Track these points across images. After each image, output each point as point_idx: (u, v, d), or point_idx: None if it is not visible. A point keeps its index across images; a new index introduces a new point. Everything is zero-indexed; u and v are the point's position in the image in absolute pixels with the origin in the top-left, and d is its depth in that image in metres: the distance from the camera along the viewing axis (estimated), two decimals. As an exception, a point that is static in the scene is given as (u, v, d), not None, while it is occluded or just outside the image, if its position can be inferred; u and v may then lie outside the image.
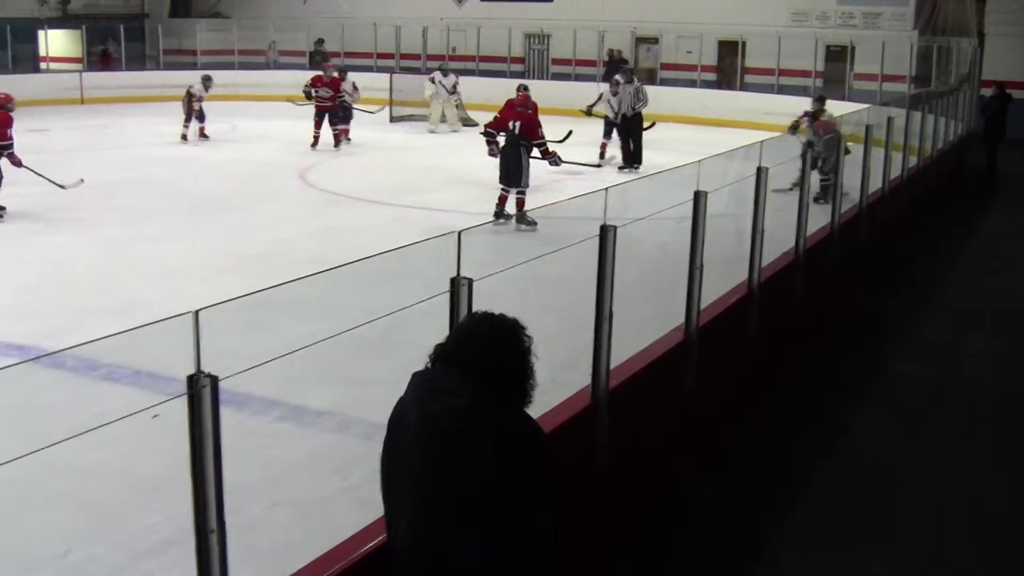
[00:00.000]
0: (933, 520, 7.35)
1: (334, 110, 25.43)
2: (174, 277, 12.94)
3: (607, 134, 23.92)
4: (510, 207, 16.10)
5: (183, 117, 26.50)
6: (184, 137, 26.40)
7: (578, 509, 5.28)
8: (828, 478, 8.02)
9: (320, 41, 40.13)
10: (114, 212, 17.29)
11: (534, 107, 17.27)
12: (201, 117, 26.64)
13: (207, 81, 26.76)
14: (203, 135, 26.73)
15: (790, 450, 8.46)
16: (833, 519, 7.31)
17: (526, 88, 19.15)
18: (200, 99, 26.37)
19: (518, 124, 16.42)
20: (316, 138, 25.30)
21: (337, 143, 25.54)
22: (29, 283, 12.85)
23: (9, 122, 16.62)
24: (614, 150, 23.22)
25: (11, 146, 16.52)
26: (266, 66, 40.18)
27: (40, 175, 16.35)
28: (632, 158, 22.84)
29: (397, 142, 26.96)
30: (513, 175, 16.23)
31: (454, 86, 29.73)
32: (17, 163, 16.53)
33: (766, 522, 7.19)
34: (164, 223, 16.48)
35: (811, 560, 6.77)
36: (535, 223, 15.20)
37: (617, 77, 24.86)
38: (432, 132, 29.13)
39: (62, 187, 16.14)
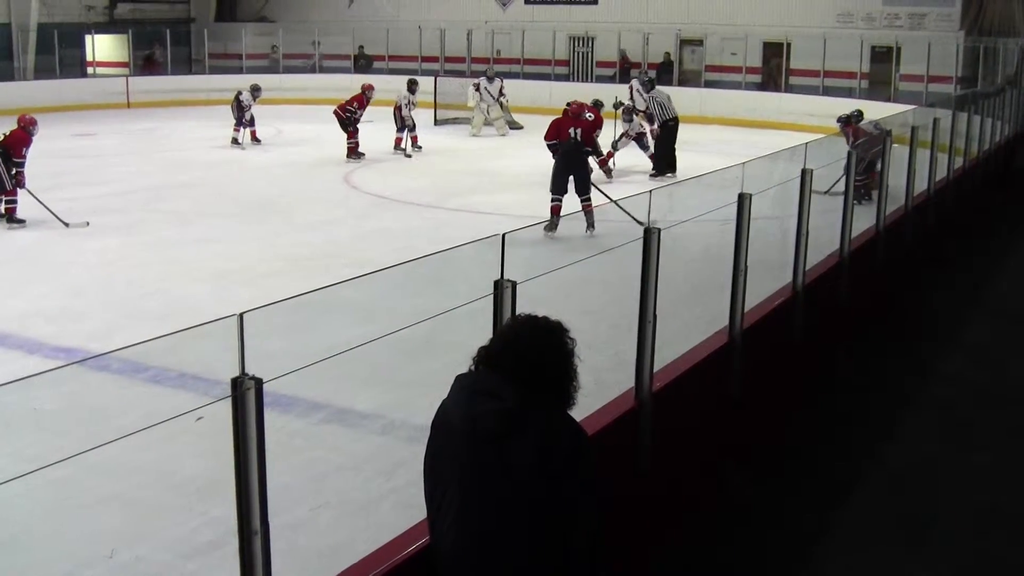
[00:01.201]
0: (979, 524, 7.28)
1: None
2: (220, 280, 13.01)
3: (616, 145, 23.01)
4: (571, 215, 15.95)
5: (234, 121, 26.72)
6: (235, 140, 26.54)
7: (621, 511, 5.27)
8: (873, 480, 7.97)
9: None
10: (160, 215, 17.40)
11: (598, 119, 17.23)
12: (252, 122, 26.90)
13: (256, 91, 27.06)
14: (255, 138, 26.97)
15: (835, 452, 8.41)
16: (878, 521, 7.26)
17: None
18: (249, 107, 26.75)
19: (579, 132, 16.32)
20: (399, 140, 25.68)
21: (352, 155, 24.87)
22: (75, 286, 12.95)
23: (26, 142, 16.74)
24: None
25: (23, 164, 16.65)
26: (274, 70, 40.22)
27: (44, 206, 16.40)
28: (665, 166, 22.56)
29: (442, 145, 26.97)
30: (584, 184, 16.00)
31: (500, 91, 29.64)
32: (21, 183, 16.61)
33: (810, 524, 7.15)
34: (210, 226, 16.57)
35: (855, 562, 6.72)
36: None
37: (633, 83, 24.95)
38: (474, 136, 29.13)
39: (66, 224, 16.20)
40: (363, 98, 25.14)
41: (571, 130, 16.29)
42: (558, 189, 15.95)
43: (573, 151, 16.12)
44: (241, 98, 26.54)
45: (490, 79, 29.70)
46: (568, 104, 17.58)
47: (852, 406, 9.46)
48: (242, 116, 26.63)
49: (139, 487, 7.23)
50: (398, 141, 25.76)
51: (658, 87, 24.00)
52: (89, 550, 6.55)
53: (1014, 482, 7.98)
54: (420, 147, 26.03)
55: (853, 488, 7.79)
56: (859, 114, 20.36)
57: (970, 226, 17.82)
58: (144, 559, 6.49)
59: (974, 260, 15.86)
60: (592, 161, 17.06)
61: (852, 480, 7.90)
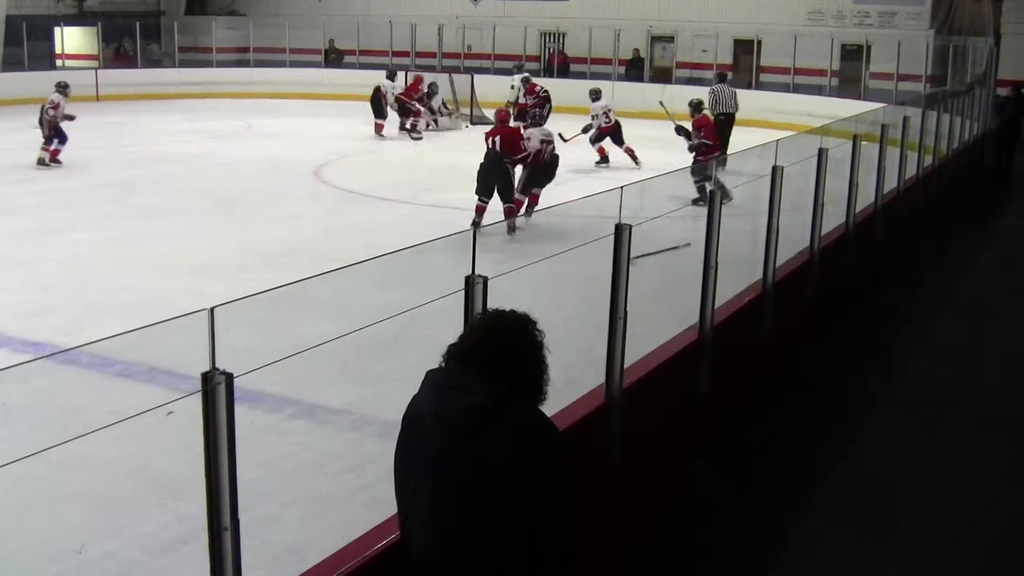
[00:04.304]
0: (949, 521, 7.32)
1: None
2: (189, 275, 12.96)
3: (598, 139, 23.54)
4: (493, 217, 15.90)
5: (43, 135, 22.14)
6: (41, 161, 21.70)
7: (592, 509, 5.27)
8: (843, 479, 8.00)
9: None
10: (130, 209, 17.33)
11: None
12: (61, 137, 22.06)
13: (63, 88, 22.57)
14: (55, 160, 21.93)
15: (805, 450, 8.44)
16: (849, 520, 7.29)
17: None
18: (60, 109, 22.14)
19: (498, 140, 16.21)
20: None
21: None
22: (44, 280, 12.87)
23: None
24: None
25: None
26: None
27: None
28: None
29: (412, 140, 26.96)
30: (504, 192, 16.06)
31: (442, 103, 29.99)
32: None
33: (781, 522, 7.17)
34: (180, 220, 16.50)
35: (827, 561, 6.75)
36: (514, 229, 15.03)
37: (516, 79, 26.94)
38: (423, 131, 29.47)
39: None
40: (417, 86, 27.92)
41: (491, 139, 16.27)
42: (481, 191, 16.04)
43: (493, 159, 16.07)
44: (52, 101, 22.12)
45: (431, 95, 29.66)
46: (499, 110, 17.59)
47: (821, 404, 9.50)
48: (51, 126, 21.87)
49: (108, 482, 7.21)
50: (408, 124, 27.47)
51: (720, 84, 25.41)
52: (58, 546, 6.52)
53: (981, 480, 8.03)
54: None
55: (822, 486, 7.83)
56: (699, 103, 20.48)
57: (939, 224, 17.91)
58: (113, 555, 6.47)
59: (943, 258, 15.95)
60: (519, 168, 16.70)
61: (821, 478, 7.94)
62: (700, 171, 17.63)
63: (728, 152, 22.57)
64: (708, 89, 25.16)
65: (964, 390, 10.08)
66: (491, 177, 16.01)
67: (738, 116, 26.53)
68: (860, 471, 8.15)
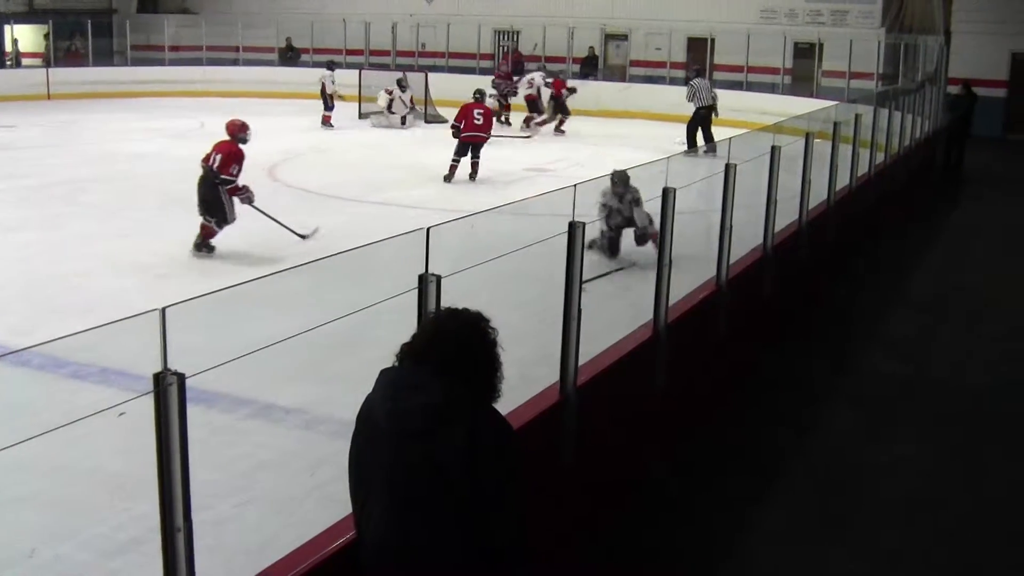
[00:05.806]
0: (901, 517, 7.38)
1: None
2: (142, 274, 12.86)
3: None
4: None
5: None
6: None
7: (547, 506, 5.27)
8: (797, 475, 8.05)
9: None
10: (81, 208, 17.18)
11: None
12: None
13: None
14: None
15: (759, 446, 8.48)
16: (803, 516, 7.34)
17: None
18: None
19: (218, 158, 14.69)
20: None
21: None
22: (-5, 280, 12.75)
23: None
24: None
25: None
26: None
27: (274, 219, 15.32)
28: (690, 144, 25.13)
29: (366, 139, 26.87)
30: (215, 209, 14.54)
31: (411, 99, 30.53)
32: None
33: (736, 519, 7.20)
34: (131, 220, 16.37)
35: (784, 555, 6.78)
36: (212, 249, 14.26)
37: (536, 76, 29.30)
38: (374, 127, 30.04)
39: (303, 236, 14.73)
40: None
41: (212, 154, 14.81)
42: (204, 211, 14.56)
43: (205, 175, 14.72)
44: None
45: (403, 88, 29.86)
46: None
47: (775, 400, 9.55)
48: None
49: (60, 484, 7.14)
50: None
51: (697, 79, 26.79)
52: (9, 549, 6.46)
53: (936, 472, 8.11)
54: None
55: (777, 481, 7.87)
56: (481, 95, 21.53)
57: (891, 221, 18.03)
58: (65, 558, 6.41)
59: (894, 255, 16.06)
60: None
61: (776, 473, 7.99)
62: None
63: (709, 144, 23.19)
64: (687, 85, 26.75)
65: (916, 385, 10.17)
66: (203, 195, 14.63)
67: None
68: (814, 467, 8.19)
